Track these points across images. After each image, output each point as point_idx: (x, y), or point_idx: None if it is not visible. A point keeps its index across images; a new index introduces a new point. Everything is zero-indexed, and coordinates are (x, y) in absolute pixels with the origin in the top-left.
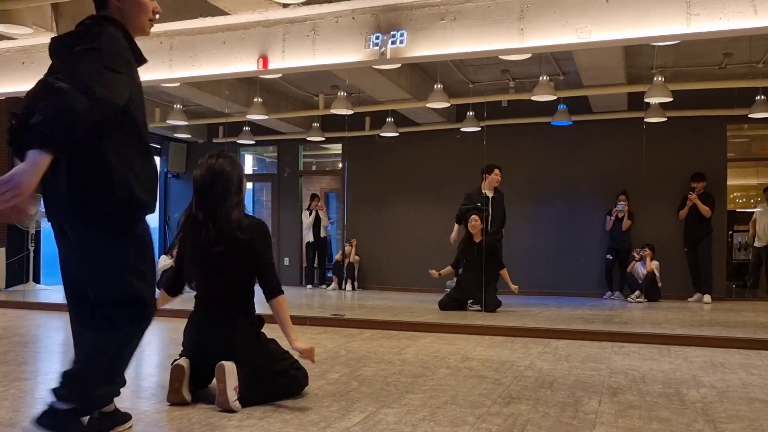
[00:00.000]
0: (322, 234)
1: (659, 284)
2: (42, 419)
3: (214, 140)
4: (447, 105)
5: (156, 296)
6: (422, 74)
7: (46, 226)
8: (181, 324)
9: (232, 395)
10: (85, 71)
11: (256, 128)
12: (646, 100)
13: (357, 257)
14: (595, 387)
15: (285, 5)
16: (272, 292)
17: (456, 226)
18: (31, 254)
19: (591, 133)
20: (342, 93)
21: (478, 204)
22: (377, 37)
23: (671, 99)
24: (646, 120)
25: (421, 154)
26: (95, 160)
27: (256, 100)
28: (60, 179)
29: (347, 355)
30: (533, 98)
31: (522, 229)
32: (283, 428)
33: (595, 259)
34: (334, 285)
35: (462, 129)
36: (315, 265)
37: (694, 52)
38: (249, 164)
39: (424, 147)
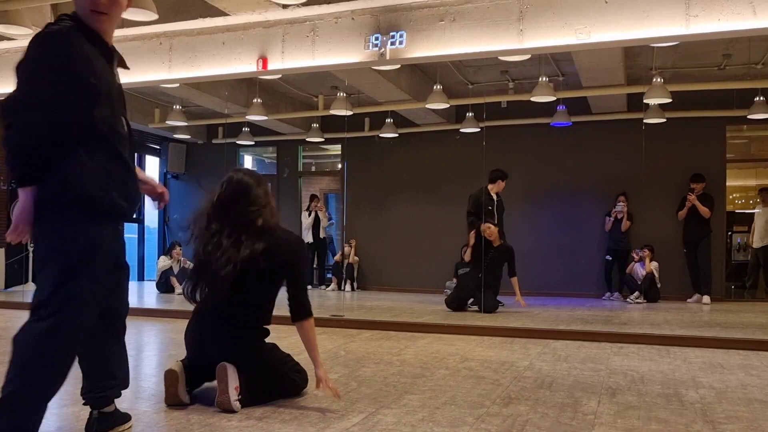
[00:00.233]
0: (322, 235)
1: (658, 285)
2: None
3: (214, 141)
4: (446, 106)
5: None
6: (421, 75)
7: None
8: (180, 324)
9: (233, 395)
10: (25, 94)
11: (256, 129)
12: (645, 101)
13: (356, 258)
14: (594, 387)
15: (284, 6)
16: (301, 315)
17: (473, 231)
18: (31, 254)
19: (590, 134)
20: (341, 94)
21: (489, 207)
22: (377, 38)
23: (670, 100)
24: (645, 121)
25: (420, 155)
26: (56, 165)
27: (255, 100)
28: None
29: (346, 355)
30: (532, 99)
31: (521, 230)
32: (283, 428)
33: (594, 259)
34: (333, 286)
35: (461, 130)
36: (314, 265)
37: (693, 53)
38: (248, 165)
39: (424, 148)
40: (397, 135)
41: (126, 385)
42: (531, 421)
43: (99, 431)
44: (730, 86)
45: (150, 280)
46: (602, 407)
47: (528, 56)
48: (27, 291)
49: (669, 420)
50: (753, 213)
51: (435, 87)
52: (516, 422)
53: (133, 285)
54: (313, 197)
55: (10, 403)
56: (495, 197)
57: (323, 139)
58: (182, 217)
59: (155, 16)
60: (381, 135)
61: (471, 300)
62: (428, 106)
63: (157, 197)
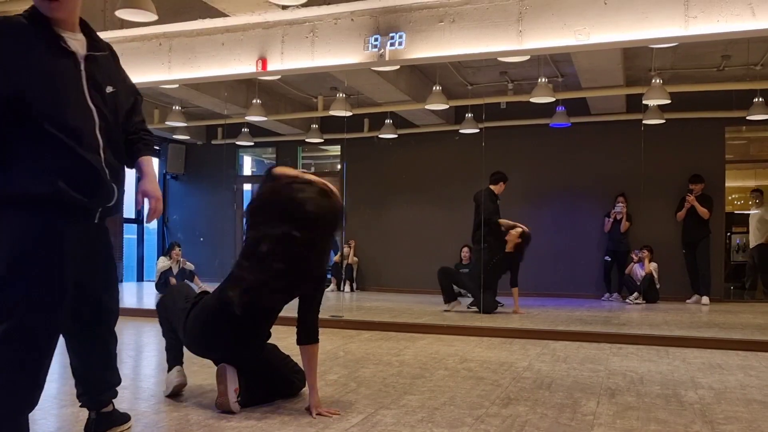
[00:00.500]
0: None
1: (657, 286)
2: None
3: (213, 142)
4: (446, 107)
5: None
6: (421, 76)
7: None
8: None
9: (233, 396)
10: None
11: (255, 130)
12: (644, 102)
13: (355, 258)
14: (593, 388)
15: (284, 7)
16: (309, 340)
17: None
18: None
19: (589, 134)
20: (341, 94)
21: (496, 209)
22: (376, 39)
23: (669, 101)
24: (644, 122)
25: (419, 156)
26: None
27: (254, 101)
28: None
29: (346, 356)
30: (532, 100)
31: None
32: (282, 429)
33: (593, 260)
34: (332, 286)
35: (460, 131)
36: None
37: (692, 55)
38: (248, 166)
39: (423, 148)
40: (396, 136)
41: (119, 383)
42: (530, 421)
43: (97, 431)
44: (729, 87)
45: (149, 281)
46: (601, 408)
47: (527, 57)
48: None
49: (668, 420)
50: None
51: (434, 88)
52: (515, 423)
53: (132, 285)
54: None
55: None
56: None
57: (322, 140)
58: (181, 217)
59: (155, 17)
60: (380, 136)
61: (471, 301)
62: (427, 106)
63: (149, 208)
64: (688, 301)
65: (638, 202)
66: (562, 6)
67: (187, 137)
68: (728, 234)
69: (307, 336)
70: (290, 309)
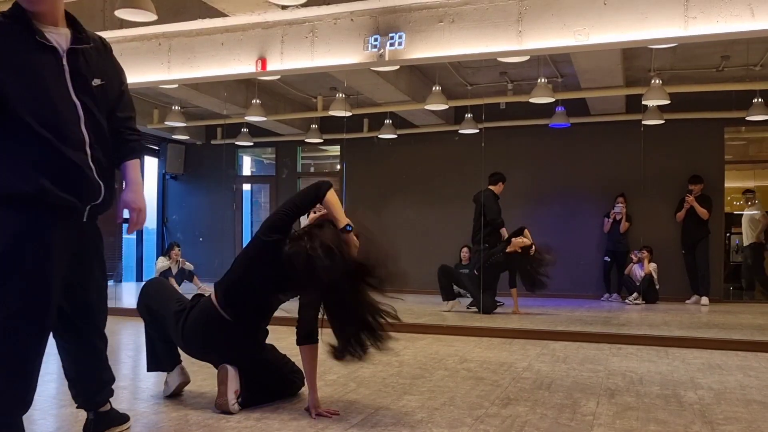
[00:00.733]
0: None
1: (657, 286)
2: None
3: (213, 142)
4: (445, 107)
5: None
6: (420, 76)
7: None
8: None
9: (232, 398)
10: None
11: (255, 130)
12: (643, 102)
13: None
14: (592, 388)
15: (283, 7)
16: (309, 338)
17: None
18: None
19: (589, 135)
20: (340, 95)
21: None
22: (376, 39)
23: (669, 101)
24: (643, 122)
25: (419, 156)
26: None
27: (254, 101)
28: None
29: None
30: (531, 100)
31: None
32: (281, 429)
33: (593, 261)
34: None
35: (460, 131)
36: None
37: (691, 55)
38: (247, 166)
39: (423, 149)
40: (396, 136)
41: (112, 381)
42: (530, 422)
43: (96, 431)
44: (729, 88)
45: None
46: (601, 408)
47: (527, 57)
48: None
49: (668, 421)
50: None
51: (434, 88)
52: (515, 423)
53: (131, 285)
54: None
55: None
56: None
57: (322, 140)
58: (180, 218)
59: (154, 17)
60: (380, 136)
61: (470, 301)
62: (427, 107)
63: (130, 220)
64: (687, 301)
65: (638, 203)
66: (561, 6)
67: (187, 137)
68: (727, 234)
69: (307, 336)
70: (290, 310)
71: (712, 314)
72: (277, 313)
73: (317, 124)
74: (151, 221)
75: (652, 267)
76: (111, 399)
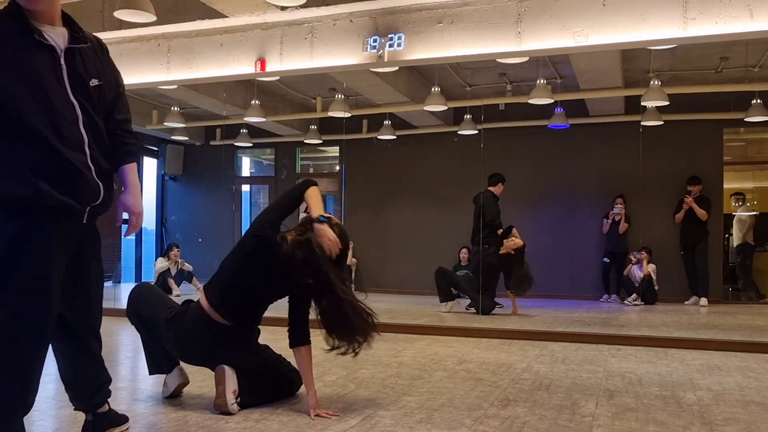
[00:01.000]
0: None
1: (656, 287)
2: None
3: (212, 142)
4: (444, 108)
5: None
6: (420, 77)
7: None
8: None
9: (231, 398)
10: None
11: (254, 131)
12: (642, 103)
13: (354, 260)
14: (591, 390)
15: (283, 8)
16: (302, 340)
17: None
18: None
19: (588, 136)
20: (339, 96)
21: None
22: (375, 40)
23: (668, 102)
24: (642, 123)
25: (418, 157)
26: None
27: (253, 102)
28: None
29: (344, 357)
30: (530, 101)
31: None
32: (280, 430)
33: (592, 262)
34: None
35: (459, 132)
36: None
37: (690, 56)
38: (246, 167)
39: (422, 150)
40: (395, 137)
41: (108, 381)
42: (529, 423)
43: None
44: (728, 89)
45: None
46: (600, 409)
47: (526, 59)
48: None
49: (667, 422)
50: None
51: (433, 89)
52: (514, 424)
53: (130, 286)
54: None
55: None
56: None
57: (321, 141)
58: (179, 218)
59: (153, 18)
60: (379, 137)
61: (468, 303)
62: (426, 108)
63: (130, 223)
64: (686, 302)
65: (637, 204)
66: (560, 7)
67: (186, 138)
68: (726, 236)
69: (300, 338)
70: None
71: (711, 315)
72: (275, 314)
73: (316, 124)
74: (150, 222)
75: (651, 268)
76: (109, 400)
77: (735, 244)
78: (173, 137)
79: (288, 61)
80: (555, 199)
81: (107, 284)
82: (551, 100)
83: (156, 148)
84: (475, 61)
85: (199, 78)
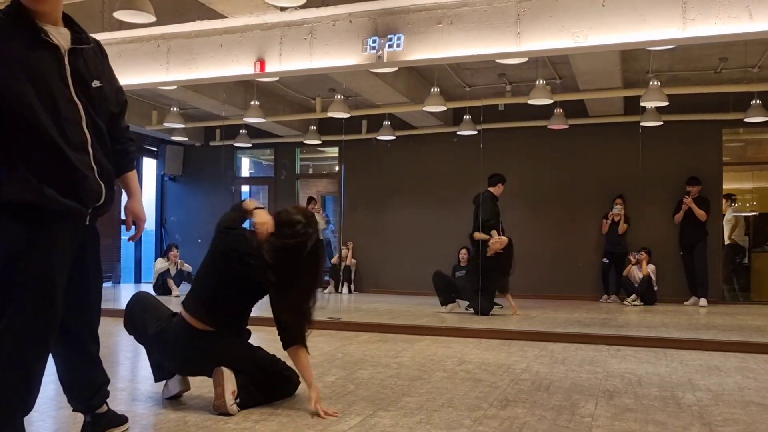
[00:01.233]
0: (319, 237)
1: (655, 288)
2: None
3: (211, 143)
4: (444, 108)
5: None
6: (419, 78)
7: None
8: None
9: (230, 399)
10: None
11: (253, 131)
12: (642, 104)
13: (354, 260)
14: (591, 390)
15: (282, 9)
16: (295, 340)
17: (494, 232)
18: None
19: (587, 136)
20: (339, 96)
21: (497, 210)
22: (374, 41)
23: (667, 103)
24: (642, 124)
25: (417, 158)
26: None
27: (253, 103)
28: None
29: (344, 358)
30: (530, 102)
31: (518, 232)
32: (280, 431)
33: (591, 262)
34: (330, 288)
35: (459, 132)
36: None
37: (689, 57)
38: (246, 167)
39: (421, 150)
40: (394, 137)
41: (107, 382)
42: (528, 423)
43: None
44: (727, 89)
45: (147, 282)
46: (599, 410)
47: (525, 59)
48: None
49: (666, 423)
50: (749, 216)
51: (432, 90)
52: (513, 425)
53: (130, 287)
54: (310, 200)
55: None
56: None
57: (321, 142)
58: (179, 219)
59: (153, 19)
60: (378, 137)
61: (467, 303)
62: (426, 108)
63: (137, 226)
64: (685, 303)
65: (636, 204)
66: (560, 8)
67: (185, 138)
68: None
69: (292, 338)
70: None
71: (711, 316)
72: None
73: (316, 125)
74: (149, 223)
75: (650, 268)
76: (108, 400)
77: (727, 243)
78: (173, 138)
79: (287, 62)
80: (554, 199)
81: (107, 285)
82: (550, 101)
83: (155, 149)
84: (474, 62)
85: (199, 78)
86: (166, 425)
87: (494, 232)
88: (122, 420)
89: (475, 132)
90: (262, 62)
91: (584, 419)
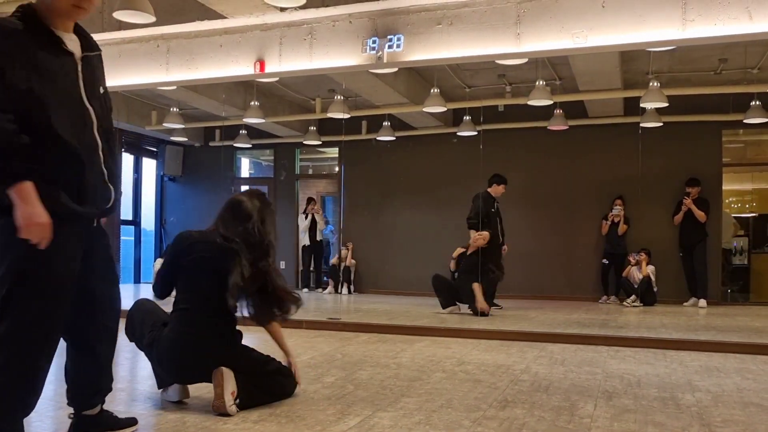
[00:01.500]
0: (318, 238)
1: (655, 289)
2: None
3: (211, 143)
4: (443, 109)
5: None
6: (419, 78)
7: None
8: None
9: (229, 399)
10: None
11: (253, 132)
12: (641, 105)
13: (353, 261)
14: (590, 391)
15: (282, 9)
16: (271, 315)
17: (473, 231)
18: None
19: (587, 137)
20: (339, 97)
21: (492, 210)
22: (374, 41)
23: (667, 104)
24: (641, 125)
25: (417, 158)
26: None
27: (252, 103)
28: None
29: (343, 358)
30: (529, 103)
31: (518, 233)
32: (279, 431)
33: (591, 263)
34: (330, 288)
35: (458, 133)
36: (311, 268)
37: (689, 58)
38: (245, 168)
39: (421, 151)
40: (394, 138)
41: (108, 390)
42: (527, 424)
43: None
44: (726, 90)
45: (147, 283)
46: (599, 411)
47: (525, 60)
48: None
49: (665, 423)
50: (749, 217)
51: (432, 90)
52: (512, 425)
53: (129, 287)
54: (310, 200)
55: None
56: (497, 203)
57: (320, 142)
58: (178, 219)
59: (153, 19)
60: (378, 138)
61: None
62: (425, 109)
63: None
64: (685, 303)
65: (636, 205)
66: (560, 9)
67: (185, 139)
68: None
69: (268, 314)
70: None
71: (710, 317)
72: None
73: (316, 126)
74: (149, 223)
75: (650, 269)
76: (107, 400)
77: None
78: (172, 138)
79: (287, 62)
80: (554, 200)
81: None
82: (550, 102)
83: (155, 149)
84: (474, 63)
85: (199, 79)
86: (165, 426)
87: (472, 231)
88: (131, 422)
89: (475, 133)
90: (261, 63)
91: (583, 420)
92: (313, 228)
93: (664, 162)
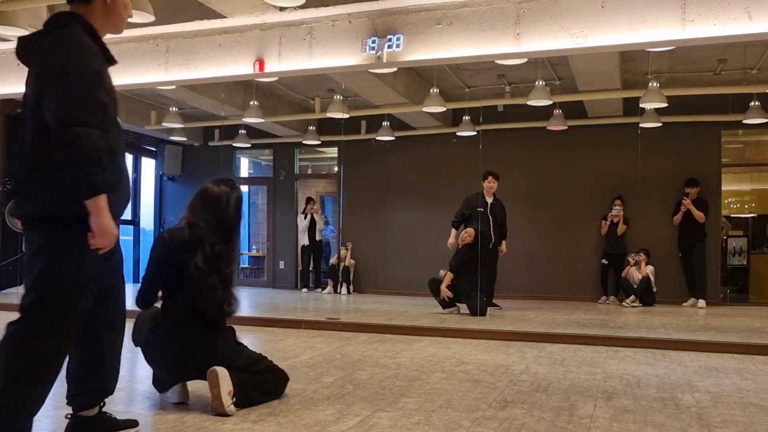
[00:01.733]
0: (318, 237)
1: (654, 289)
2: None
3: (210, 143)
4: (443, 109)
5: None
6: (418, 78)
7: None
8: None
9: (227, 400)
10: (73, 104)
11: (252, 131)
12: (641, 105)
13: (352, 261)
14: (590, 391)
15: (281, 9)
16: (230, 308)
17: (453, 231)
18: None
19: (586, 138)
20: (338, 97)
21: (479, 209)
22: (374, 41)
23: (666, 104)
24: (641, 125)
25: (417, 158)
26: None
27: (252, 103)
28: None
29: (342, 358)
30: (529, 103)
31: (517, 233)
32: (278, 431)
33: (590, 263)
34: (329, 288)
35: (458, 133)
36: (310, 268)
37: (688, 58)
38: (245, 167)
39: (420, 151)
40: (393, 138)
41: (110, 392)
42: (527, 424)
43: None
44: (726, 91)
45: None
46: (598, 411)
47: (524, 60)
48: (21, 293)
49: (665, 424)
50: (748, 217)
51: (432, 90)
52: (512, 426)
53: (128, 287)
54: (309, 200)
55: None
56: (489, 200)
57: (320, 142)
58: (178, 219)
59: (152, 18)
60: (377, 138)
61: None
62: (425, 109)
63: None
64: (684, 304)
65: (635, 205)
66: (559, 9)
67: (184, 138)
68: (724, 237)
69: (220, 311)
70: (286, 313)
71: (709, 317)
72: (271, 315)
73: (315, 125)
74: (148, 222)
75: (649, 270)
76: (107, 400)
77: None
78: (171, 138)
79: (286, 62)
80: (553, 200)
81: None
82: (550, 102)
83: (154, 149)
84: (473, 63)
85: (198, 78)
86: (164, 426)
87: (453, 231)
88: (132, 423)
89: (475, 133)
90: (261, 62)
91: (583, 420)
92: (312, 228)
93: (664, 162)
